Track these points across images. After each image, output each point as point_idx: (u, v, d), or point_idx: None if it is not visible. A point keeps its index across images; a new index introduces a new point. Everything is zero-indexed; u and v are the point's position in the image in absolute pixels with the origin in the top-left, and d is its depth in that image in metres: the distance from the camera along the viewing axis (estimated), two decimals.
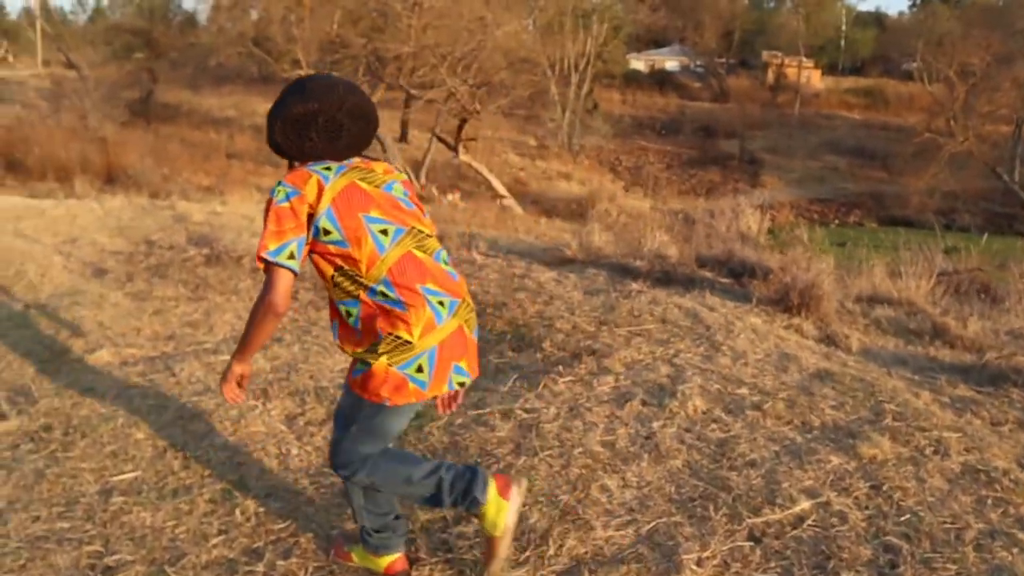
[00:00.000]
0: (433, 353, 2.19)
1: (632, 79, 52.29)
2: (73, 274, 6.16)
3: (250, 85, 38.83)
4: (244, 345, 2.22)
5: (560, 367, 4.41)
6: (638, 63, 56.58)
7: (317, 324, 5.25)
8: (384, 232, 2.20)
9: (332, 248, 2.18)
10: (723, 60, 54.58)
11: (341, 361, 4.52)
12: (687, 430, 3.70)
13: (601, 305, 5.73)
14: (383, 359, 2.18)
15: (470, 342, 2.31)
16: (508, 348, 4.86)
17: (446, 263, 2.33)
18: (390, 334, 2.17)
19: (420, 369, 2.19)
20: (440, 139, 22.95)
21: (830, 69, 57.01)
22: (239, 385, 2.31)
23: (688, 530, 2.84)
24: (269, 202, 2.18)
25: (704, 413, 3.89)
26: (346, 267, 2.19)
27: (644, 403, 3.97)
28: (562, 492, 3.03)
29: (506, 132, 33.41)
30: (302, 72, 23.74)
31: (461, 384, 2.30)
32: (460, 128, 21.84)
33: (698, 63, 55.56)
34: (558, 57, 33.54)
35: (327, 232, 2.16)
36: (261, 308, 2.15)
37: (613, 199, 26.36)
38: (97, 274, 6.27)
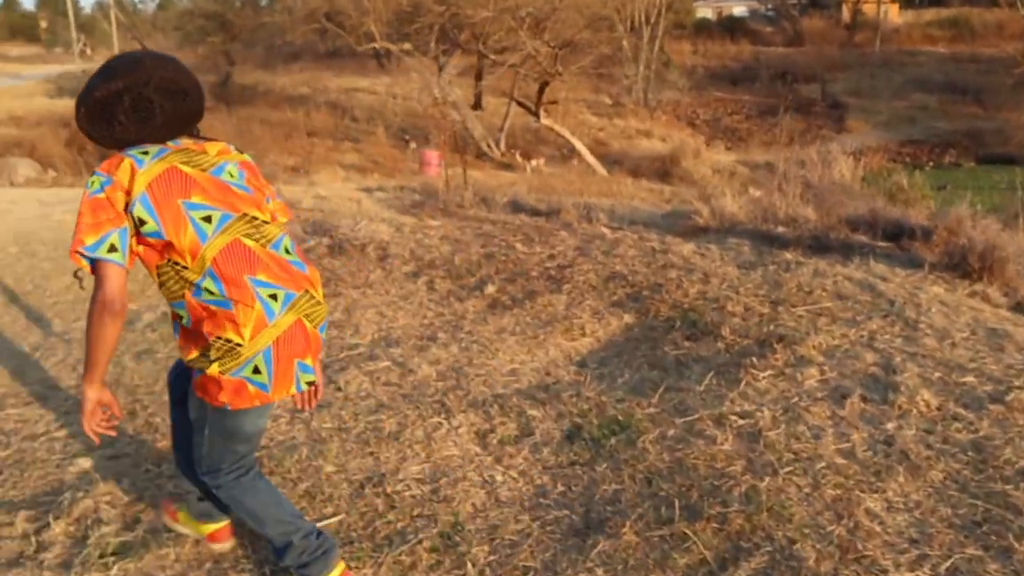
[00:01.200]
0: (269, 353, 2.02)
1: (701, 28, 50.65)
2: None
3: (319, 61, 38.75)
4: (90, 361, 1.99)
5: (752, 358, 3.97)
6: (705, 11, 54.80)
7: (465, 318, 4.90)
8: (207, 219, 2.01)
9: (152, 240, 1.99)
10: (795, 1, 52.46)
11: (507, 361, 4.17)
12: (928, 432, 3.23)
13: (764, 281, 5.26)
14: (215, 366, 2.02)
15: (313, 337, 2.12)
16: (682, 337, 4.43)
17: (288, 252, 2.14)
18: (218, 338, 2.00)
19: (257, 371, 2.02)
20: (520, 104, 22.39)
21: (907, 2, 54.30)
22: (103, 416, 2.10)
23: (994, 567, 2.40)
24: (84, 194, 1.98)
25: (938, 409, 3.42)
26: (172, 259, 2.01)
27: (865, 399, 3.52)
28: (825, 520, 2.62)
29: (580, 92, 32.60)
30: (376, 45, 23.44)
31: (310, 383, 2.13)
32: (541, 92, 21.22)
33: (769, 6, 53.52)
34: (628, 11, 32.51)
35: (143, 222, 1.97)
36: (95, 311, 1.94)
37: (697, 155, 25.51)
38: None
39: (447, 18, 19.35)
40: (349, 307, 5.11)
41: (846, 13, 50.91)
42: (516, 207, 8.93)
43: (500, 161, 23.97)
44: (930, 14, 53.25)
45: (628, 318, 4.79)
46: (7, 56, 48.09)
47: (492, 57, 20.93)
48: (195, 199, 2.00)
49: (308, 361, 2.09)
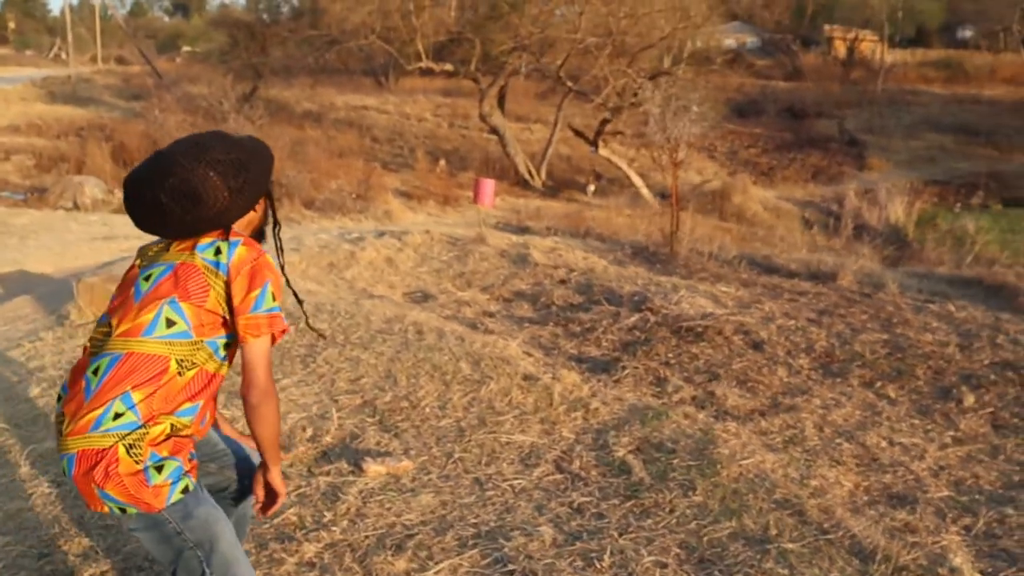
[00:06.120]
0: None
1: (700, 61, 50.50)
2: (545, 366, 4.62)
3: (313, 77, 37.17)
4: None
5: None
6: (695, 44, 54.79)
7: (1003, 448, 3.77)
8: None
9: None
10: (793, 36, 52.79)
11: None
12: None
13: None
14: None
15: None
16: None
17: (97, 373, 1.90)
18: None
19: None
20: (577, 133, 21.38)
21: (890, 41, 55.03)
22: None
23: None
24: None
25: None
26: None
27: None
28: None
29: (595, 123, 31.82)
30: (422, 65, 22.24)
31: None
32: (604, 122, 20.27)
33: (763, 40, 53.70)
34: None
35: None
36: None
37: (745, 191, 24.77)
38: (583, 365, 4.76)
39: (534, 41, 18.27)
40: (833, 431, 3.93)
41: (840, 50, 51.29)
42: (756, 264, 7.85)
43: (541, 190, 22.98)
44: (919, 54, 54.09)
45: None
46: None
47: (569, 84, 19.87)
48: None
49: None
